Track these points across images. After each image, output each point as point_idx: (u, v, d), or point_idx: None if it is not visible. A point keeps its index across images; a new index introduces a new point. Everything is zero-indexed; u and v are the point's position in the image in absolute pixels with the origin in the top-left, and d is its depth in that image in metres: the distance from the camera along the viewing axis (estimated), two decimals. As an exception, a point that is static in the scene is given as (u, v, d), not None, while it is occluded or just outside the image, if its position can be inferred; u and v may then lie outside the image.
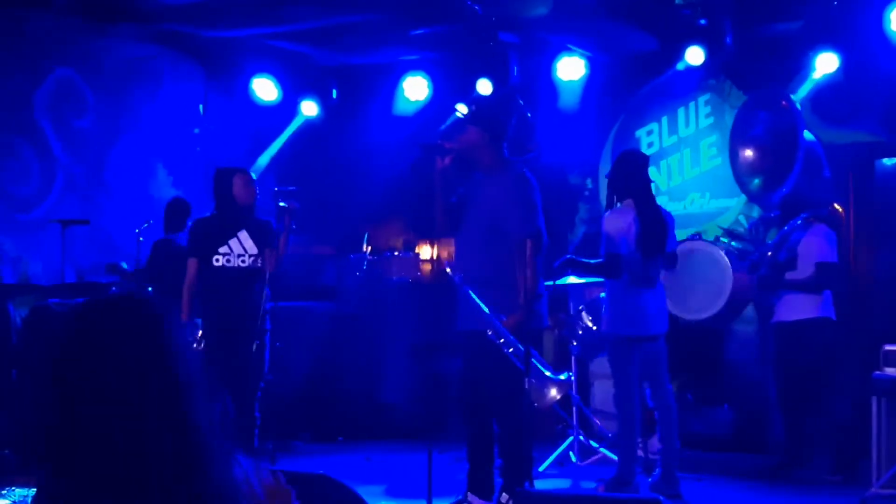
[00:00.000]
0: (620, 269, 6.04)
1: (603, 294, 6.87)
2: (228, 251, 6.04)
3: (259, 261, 6.04)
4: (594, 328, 6.96)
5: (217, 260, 6.03)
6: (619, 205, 6.22)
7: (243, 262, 6.04)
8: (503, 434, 5.40)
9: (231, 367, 6.00)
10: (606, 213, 6.27)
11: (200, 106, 9.26)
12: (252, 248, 6.06)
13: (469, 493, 5.48)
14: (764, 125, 7.49)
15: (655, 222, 6.17)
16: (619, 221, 6.08)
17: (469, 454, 5.52)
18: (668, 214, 6.37)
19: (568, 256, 6.40)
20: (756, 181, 7.58)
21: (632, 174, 6.20)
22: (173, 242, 7.50)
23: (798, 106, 7.33)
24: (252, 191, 6.10)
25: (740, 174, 7.77)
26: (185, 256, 6.30)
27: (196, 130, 9.25)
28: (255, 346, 5.97)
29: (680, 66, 8.33)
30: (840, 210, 6.93)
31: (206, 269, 6.03)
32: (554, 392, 5.60)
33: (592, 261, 6.30)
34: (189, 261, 6.12)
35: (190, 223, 6.91)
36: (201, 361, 1.75)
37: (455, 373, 5.50)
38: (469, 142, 5.37)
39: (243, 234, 6.06)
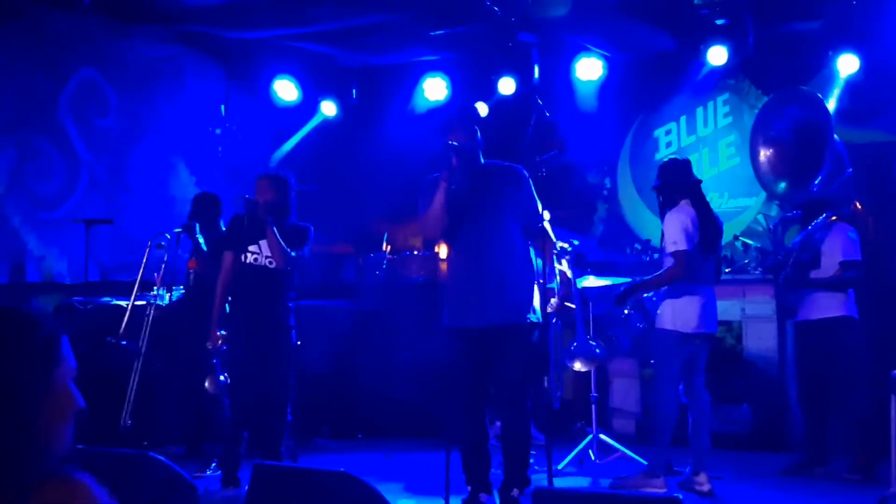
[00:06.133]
0: (689, 267, 6.08)
1: (648, 294, 6.81)
2: (258, 251, 6.13)
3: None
4: (640, 326, 6.95)
5: (246, 257, 6.13)
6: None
7: (271, 262, 6.13)
8: (515, 429, 5.40)
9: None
10: (669, 213, 6.25)
11: (222, 106, 9.33)
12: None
13: (481, 494, 5.46)
14: (791, 122, 7.44)
15: (713, 220, 6.25)
16: (684, 220, 6.11)
17: (472, 452, 5.45)
18: (719, 218, 6.44)
19: (629, 285, 6.34)
20: (783, 184, 7.55)
21: (679, 178, 6.27)
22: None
23: (826, 104, 7.31)
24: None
25: (765, 177, 7.72)
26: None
27: (217, 131, 9.32)
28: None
29: (704, 70, 8.35)
30: (860, 207, 6.91)
31: (238, 266, 6.14)
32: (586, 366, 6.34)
33: (648, 277, 6.30)
34: (225, 254, 6.22)
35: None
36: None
37: (461, 371, 5.44)
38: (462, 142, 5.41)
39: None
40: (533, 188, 5.49)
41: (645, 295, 6.83)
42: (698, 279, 6.16)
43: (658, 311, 6.32)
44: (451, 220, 5.39)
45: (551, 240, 5.57)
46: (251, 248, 6.11)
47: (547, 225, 5.56)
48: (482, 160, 5.51)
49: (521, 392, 5.38)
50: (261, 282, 6.09)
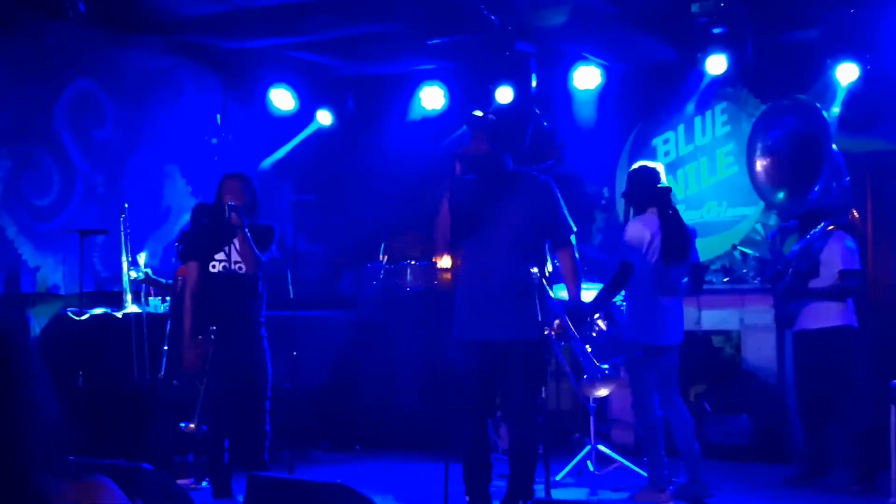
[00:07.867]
0: (627, 280, 6.04)
1: (618, 301, 6.82)
2: (225, 257, 6.05)
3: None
4: (605, 331, 6.92)
5: (214, 266, 6.05)
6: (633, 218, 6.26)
7: (240, 268, 6.05)
8: (524, 442, 5.35)
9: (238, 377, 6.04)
10: (631, 221, 6.24)
11: (218, 116, 9.30)
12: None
13: None
14: (789, 132, 7.43)
15: (679, 230, 6.19)
16: (642, 230, 6.08)
17: (474, 463, 5.38)
18: (691, 227, 6.39)
19: (592, 302, 6.23)
20: (780, 194, 7.52)
21: (647, 186, 6.23)
22: None
23: (825, 113, 7.31)
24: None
25: (762, 188, 7.69)
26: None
27: (213, 140, 9.28)
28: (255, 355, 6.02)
29: (703, 79, 8.35)
30: (856, 215, 6.89)
31: (204, 275, 6.06)
32: (605, 389, 6.39)
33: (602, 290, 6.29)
34: (189, 265, 6.14)
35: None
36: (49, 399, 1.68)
37: (470, 382, 5.38)
38: (479, 151, 5.34)
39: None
40: (558, 197, 5.38)
41: (615, 301, 6.80)
42: (661, 290, 6.11)
43: (626, 321, 6.30)
44: (459, 229, 5.32)
45: (574, 252, 5.44)
46: (217, 255, 6.02)
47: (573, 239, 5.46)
48: (510, 166, 5.40)
49: (532, 406, 5.31)
50: (232, 289, 6.00)
